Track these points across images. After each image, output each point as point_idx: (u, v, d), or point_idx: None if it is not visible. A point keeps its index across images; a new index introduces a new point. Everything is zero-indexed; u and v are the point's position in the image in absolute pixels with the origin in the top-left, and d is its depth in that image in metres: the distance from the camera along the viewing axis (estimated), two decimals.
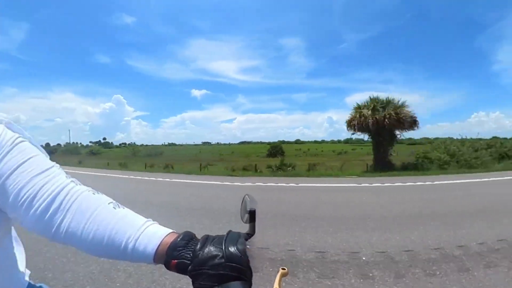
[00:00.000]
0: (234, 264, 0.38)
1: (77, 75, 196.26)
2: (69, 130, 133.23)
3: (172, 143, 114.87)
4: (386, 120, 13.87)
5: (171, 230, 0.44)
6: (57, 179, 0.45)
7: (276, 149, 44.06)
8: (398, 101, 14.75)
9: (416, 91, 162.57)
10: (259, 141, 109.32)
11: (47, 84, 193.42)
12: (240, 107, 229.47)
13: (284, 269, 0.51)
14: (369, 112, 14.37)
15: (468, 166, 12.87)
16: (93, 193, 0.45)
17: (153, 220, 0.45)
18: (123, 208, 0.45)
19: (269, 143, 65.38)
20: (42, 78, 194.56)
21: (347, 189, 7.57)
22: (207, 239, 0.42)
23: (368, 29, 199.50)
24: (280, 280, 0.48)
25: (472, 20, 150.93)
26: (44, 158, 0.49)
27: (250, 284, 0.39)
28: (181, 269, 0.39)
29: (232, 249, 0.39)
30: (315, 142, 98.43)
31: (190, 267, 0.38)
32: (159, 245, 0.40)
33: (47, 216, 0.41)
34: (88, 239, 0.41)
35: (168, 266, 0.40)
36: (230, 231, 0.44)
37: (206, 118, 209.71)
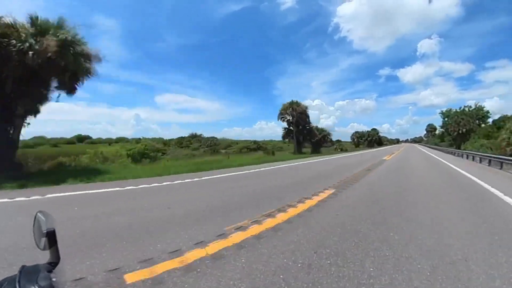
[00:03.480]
0: None
1: None
2: None
3: None
4: None
5: None
6: None
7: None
8: None
9: (218, 100, 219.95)
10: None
11: None
12: None
13: None
14: None
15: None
16: None
17: None
18: None
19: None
20: None
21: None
22: None
23: (189, 36, 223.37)
24: None
25: (267, 56, 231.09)
26: None
27: None
28: None
29: None
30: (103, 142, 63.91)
31: None
32: None
33: None
34: None
35: None
36: (23, 267, 0.34)
37: None
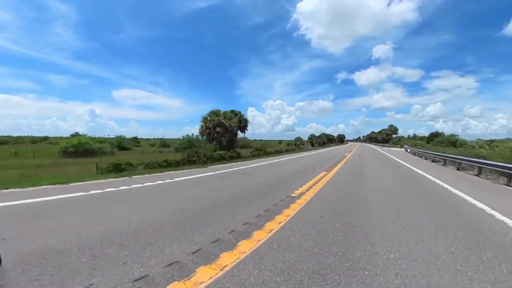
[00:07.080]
0: None
1: None
2: None
3: None
4: None
5: None
6: None
7: None
8: None
9: (180, 97, 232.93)
10: None
11: None
12: None
13: None
14: None
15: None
16: None
17: None
18: None
19: None
20: None
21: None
22: None
23: (151, 29, 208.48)
24: None
25: (231, 57, 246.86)
26: None
27: None
28: None
29: None
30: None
31: None
32: None
33: None
34: None
35: None
36: None
37: None
